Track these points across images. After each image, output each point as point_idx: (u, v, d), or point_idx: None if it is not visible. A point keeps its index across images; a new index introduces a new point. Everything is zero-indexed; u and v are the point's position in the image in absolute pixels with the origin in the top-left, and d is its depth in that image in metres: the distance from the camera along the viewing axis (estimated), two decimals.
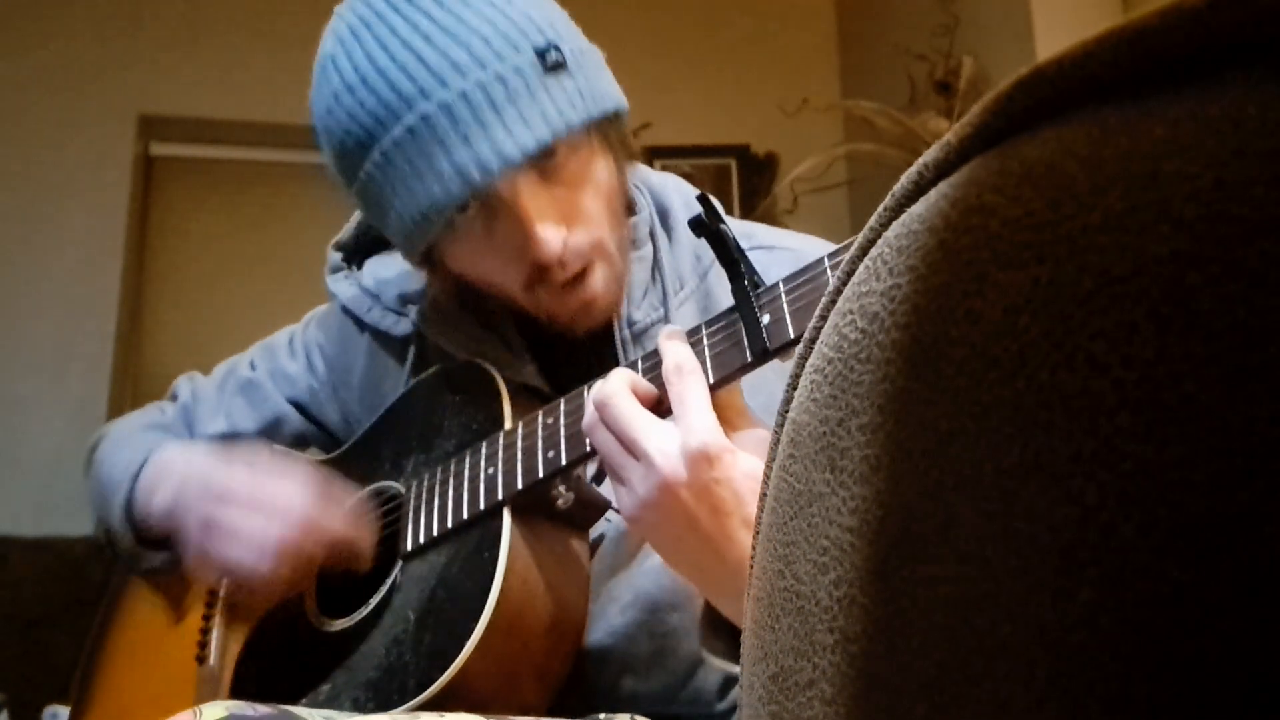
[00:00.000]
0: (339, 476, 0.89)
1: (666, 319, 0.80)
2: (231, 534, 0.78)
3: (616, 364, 0.75)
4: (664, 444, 0.59)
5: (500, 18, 0.71)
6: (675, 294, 0.81)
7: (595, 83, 0.74)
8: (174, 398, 1.02)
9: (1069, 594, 0.18)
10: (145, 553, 0.90)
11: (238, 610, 0.87)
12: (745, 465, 0.59)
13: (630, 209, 0.86)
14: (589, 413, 0.64)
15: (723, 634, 0.64)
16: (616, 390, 0.62)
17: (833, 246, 0.81)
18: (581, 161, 0.74)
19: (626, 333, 0.80)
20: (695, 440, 0.58)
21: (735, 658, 0.63)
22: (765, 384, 0.72)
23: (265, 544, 0.76)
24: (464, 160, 0.69)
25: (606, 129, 0.76)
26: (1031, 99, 0.21)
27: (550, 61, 0.71)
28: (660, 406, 0.63)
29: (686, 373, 0.61)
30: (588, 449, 0.68)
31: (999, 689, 0.19)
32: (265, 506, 0.77)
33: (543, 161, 0.72)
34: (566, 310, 0.77)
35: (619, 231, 0.78)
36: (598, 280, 0.76)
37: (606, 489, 0.75)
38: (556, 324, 0.80)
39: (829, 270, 0.59)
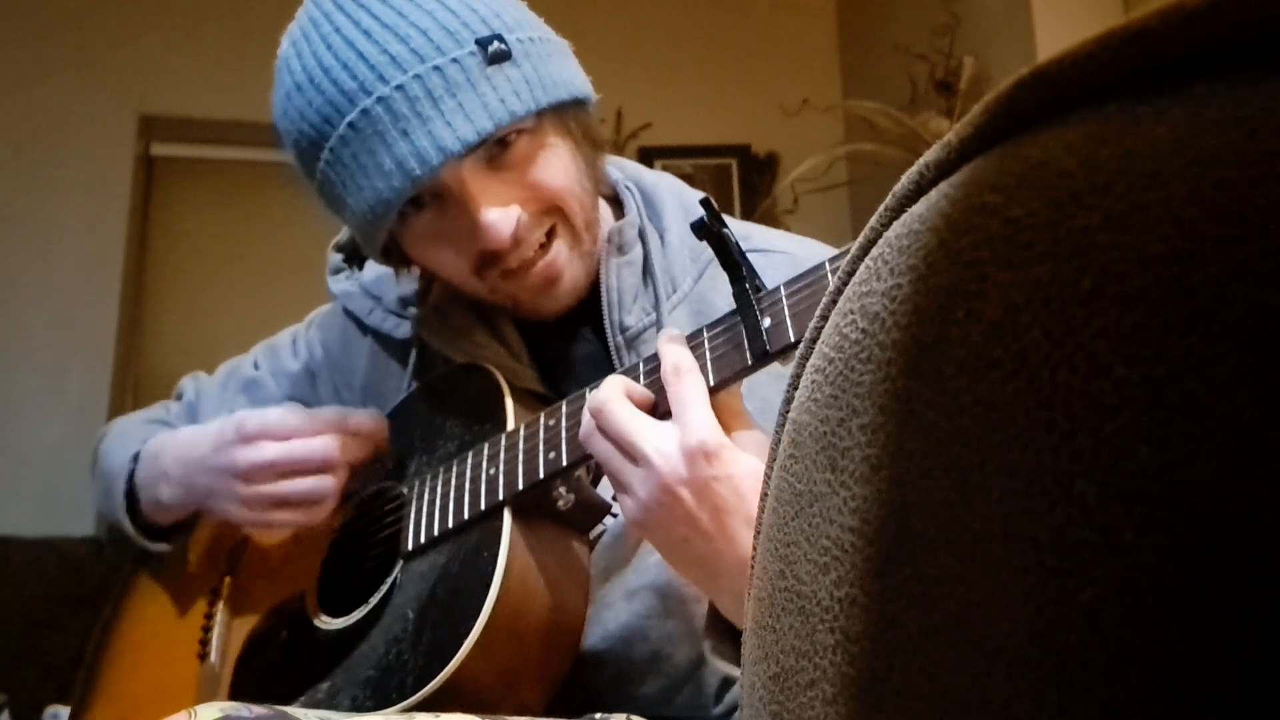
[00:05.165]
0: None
1: (659, 323, 0.79)
2: (274, 506, 0.80)
3: (611, 369, 0.75)
4: (661, 444, 0.59)
5: (442, 11, 0.71)
6: (668, 297, 0.81)
7: (546, 72, 0.74)
8: (179, 397, 1.03)
9: (1069, 594, 0.18)
10: (148, 544, 0.90)
11: (239, 608, 0.87)
12: (746, 463, 0.58)
13: (619, 209, 0.86)
14: (586, 421, 0.63)
15: (728, 637, 0.64)
16: (610, 396, 0.62)
17: (829, 248, 0.81)
18: (535, 148, 0.74)
19: (619, 338, 0.79)
20: (693, 438, 0.58)
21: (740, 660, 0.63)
22: (759, 387, 0.71)
23: (311, 501, 0.79)
24: (403, 153, 0.69)
25: (565, 117, 0.76)
26: (1032, 99, 0.21)
27: (492, 52, 0.71)
28: (657, 410, 0.63)
29: (684, 373, 0.61)
30: (587, 451, 0.68)
31: (1000, 689, 0.19)
32: (297, 467, 0.79)
33: (492, 150, 0.72)
34: (528, 291, 0.77)
35: (586, 213, 0.78)
36: (559, 254, 0.76)
37: (605, 489, 0.75)
38: (522, 310, 0.80)
39: (830, 275, 0.59)
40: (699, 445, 0.57)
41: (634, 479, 0.60)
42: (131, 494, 0.89)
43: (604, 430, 0.62)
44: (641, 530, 0.62)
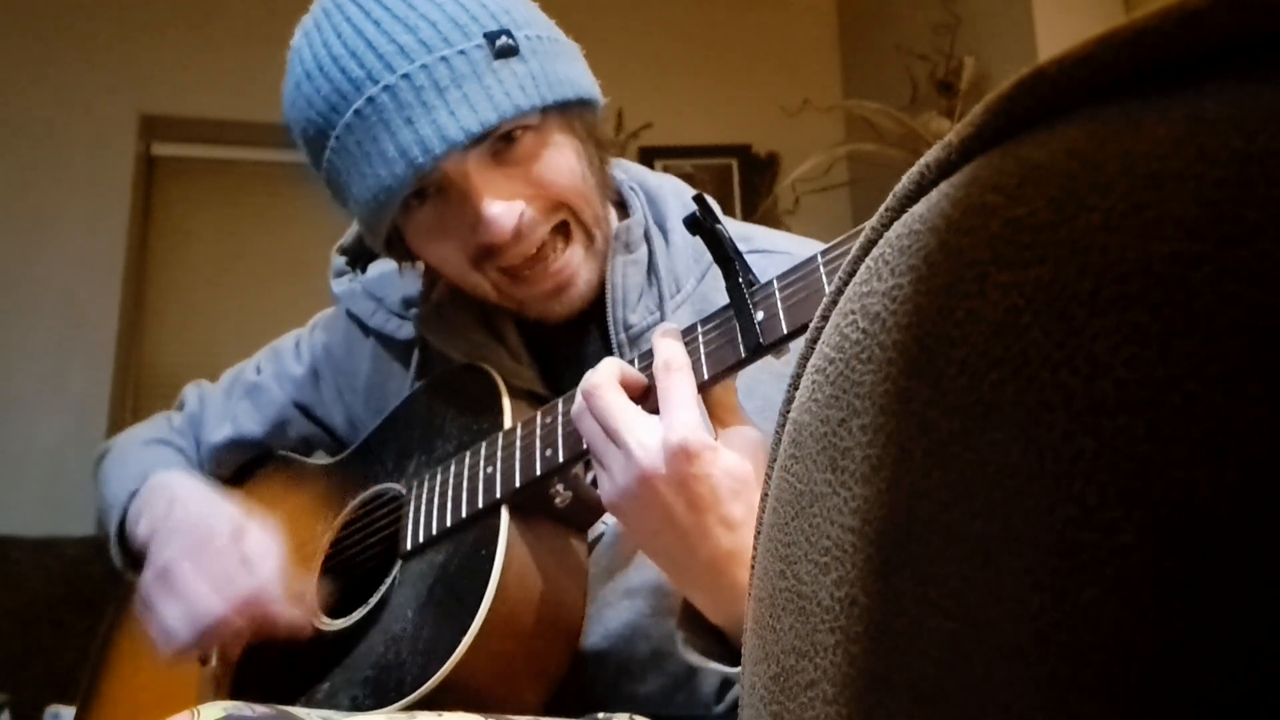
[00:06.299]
0: (340, 482, 0.89)
1: (663, 322, 0.79)
2: (177, 593, 0.77)
3: None
4: (644, 437, 0.60)
5: (451, 4, 0.72)
6: (672, 297, 0.81)
7: (553, 70, 0.74)
8: (181, 407, 1.03)
9: (1069, 594, 0.18)
10: (133, 577, 0.90)
11: None
12: (727, 463, 0.59)
13: (623, 210, 0.86)
14: (577, 401, 0.64)
15: (700, 629, 0.65)
16: (603, 380, 0.63)
17: None
18: (540, 146, 0.74)
19: (623, 336, 0.79)
20: (676, 436, 0.58)
21: (712, 654, 0.64)
22: (759, 386, 0.71)
23: (198, 617, 0.75)
24: (407, 141, 0.70)
25: (570, 117, 0.77)
26: (1033, 99, 0.21)
27: (500, 47, 0.71)
28: (650, 396, 0.63)
29: (674, 369, 0.61)
30: (584, 448, 0.68)
31: (1000, 689, 0.19)
32: (220, 580, 0.76)
33: (497, 145, 0.72)
34: (539, 296, 0.77)
35: (593, 211, 0.78)
36: (574, 257, 0.77)
37: None
38: (530, 312, 0.80)
39: (822, 268, 0.59)
40: (680, 444, 0.58)
41: (614, 464, 0.61)
42: (124, 526, 0.90)
43: (593, 412, 0.63)
44: (615, 513, 0.63)
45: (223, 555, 0.77)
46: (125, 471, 0.93)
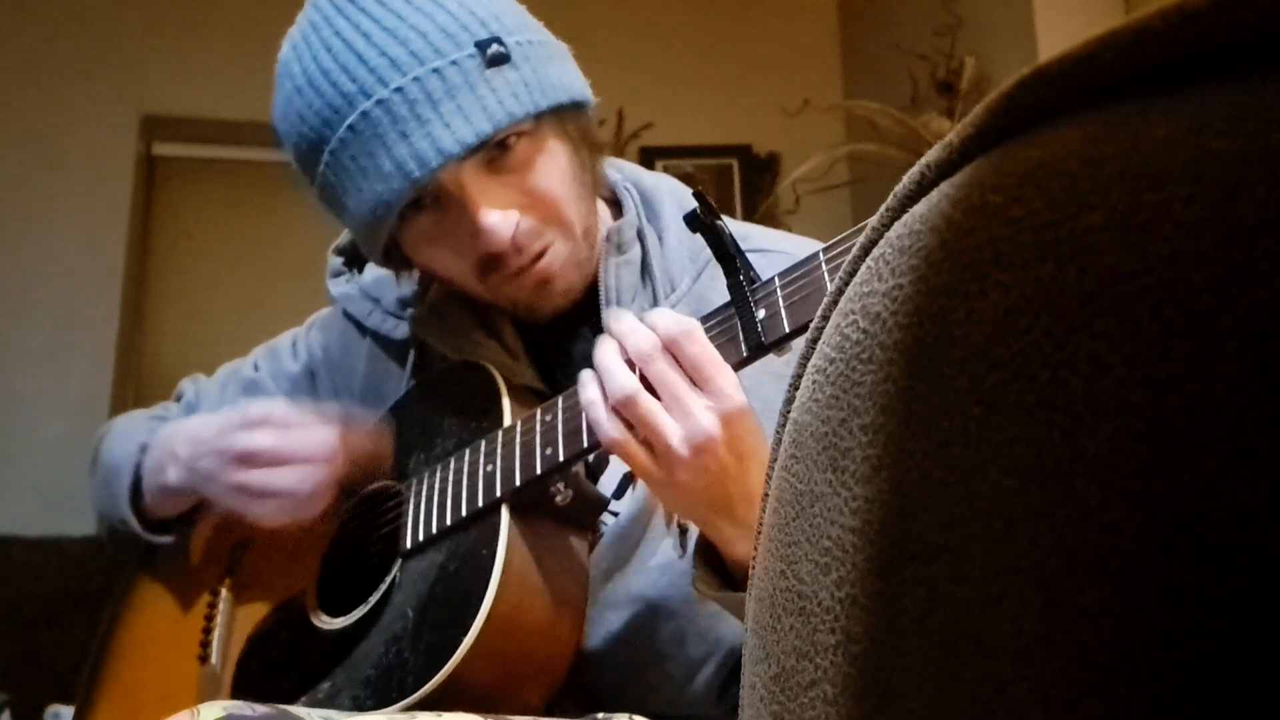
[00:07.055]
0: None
1: None
2: (265, 494, 0.79)
3: None
4: (695, 406, 0.61)
5: (441, 13, 0.72)
6: (666, 296, 0.81)
7: (545, 75, 0.74)
8: (179, 398, 1.03)
9: (1070, 594, 0.18)
10: (151, 537, 0.90)
11: (240, 608, 0.87)
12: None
13: (618, 209, 0.86)
14: (647, 339, 0.63)
15: (714, 567, 0.67)
16: (696, 326, 0.63)
17: None
18: (535, 151, 0.74)
19: None
20: (731, 402, 0.61)
21: (727, 589, 0.66)
22: (760, 388, 0.72)
23: (302, 493, 0.78)
24: (403, 156, 0.70)
25: (564, 120, 0.77)
26: (1033, 99, 0.21)
27: (491, 55, 0.71)
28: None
29: (693, 334, 0.62)
30: (585, 446, 0.68)
31: (1001, 689, 0.19)
32: (292, 458, 0.78)
33: (492, 152, 0.72)
34: (524, 292, 0.78)
35: (583, 219, 0.78)
36: (553, 257, 0.77)
37: (604, 486, 0.75)
38: (519, 310, 0.80)
39: (824, 265, 0.59)
40: (737, 409, 0.61)
41: (695, 406, 0.61)
42: (135, 486, 0.89)
43: (681, 353, 0.62)
44: (663, 483, 0.63)
45: (286, 441, 0.80)
46: (131, 437, 0.93)
